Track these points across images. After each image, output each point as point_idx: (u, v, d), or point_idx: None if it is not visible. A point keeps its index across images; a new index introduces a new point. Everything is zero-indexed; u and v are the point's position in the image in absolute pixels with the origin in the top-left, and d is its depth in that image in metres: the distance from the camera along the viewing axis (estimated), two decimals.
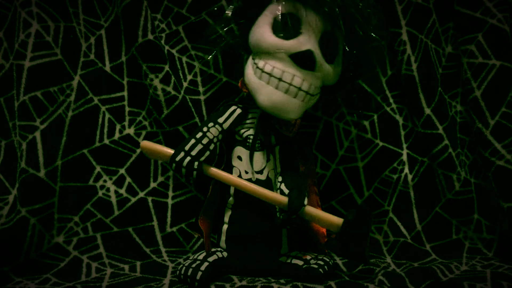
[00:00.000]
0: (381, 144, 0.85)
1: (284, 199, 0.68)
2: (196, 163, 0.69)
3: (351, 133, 0.85)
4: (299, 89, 0.68)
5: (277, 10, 0.69)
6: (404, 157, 0.85)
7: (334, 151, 0.85)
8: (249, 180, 0.71)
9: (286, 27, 0.68)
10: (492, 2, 0.80)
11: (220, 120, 0.71)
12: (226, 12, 0.73)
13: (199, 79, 0.85)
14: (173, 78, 0.80)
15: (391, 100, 0.86)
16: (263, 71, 0.68)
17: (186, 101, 0.82)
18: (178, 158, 0.69)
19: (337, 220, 0.68)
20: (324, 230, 0.74)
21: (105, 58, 0.84)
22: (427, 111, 0.82)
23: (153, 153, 0.72)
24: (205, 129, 0.70)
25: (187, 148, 0.69)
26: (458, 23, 0.83)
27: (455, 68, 0.85)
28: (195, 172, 0.69)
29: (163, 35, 0.84)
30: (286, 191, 0.69)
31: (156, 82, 0.79)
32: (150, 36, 0.79)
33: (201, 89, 0.85)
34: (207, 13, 0.83)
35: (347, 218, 0.67)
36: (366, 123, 0.85)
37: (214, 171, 0.70)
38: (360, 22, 0.69)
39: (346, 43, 0.70)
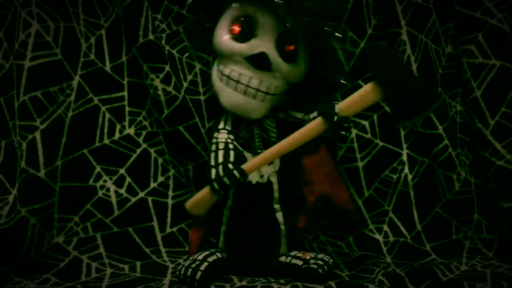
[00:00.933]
0: (381, 144, 0.85)
1: (319, 120, 0.67)
2: (230, 165, 0.67)
3: (351, 133, 0.85)
4: (257, 90, 0.70)
5: (235, 13, 0.70)
6: (404, 157, 0.85)
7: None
8: (250, 182, 0.71)
9: (242, 30, 0.69)
10: (492, 2, 0.80)
11: (221, 126, 0.72)
12: (190, 15, 0.76)
13: (199, 79, 0.85)
14: (173, 78, 0.80)
15: None
16: (222, 74, 0.70)
17: (186, 101, 0.82)
18: (213, 176, 0.67)
19: (369, 85, 0.62)
20: (347, 198, 0.74)
21: (105, 58, 0.84)
22: None
23: (199, 205, 0.69)
24: (214, 140, 0.71)
25: (212, 162, 0.68)
26: (458, 23, 0.83)
27: (455, 68, 0.85)
28: (236, 172, 0.66)
29: (164, 35, 0.84)
30: (315, 114, 0.70)
31: (156, 82, 0.79)
32: (151, 36, 0.79)
33: (201, 89, 0.85)
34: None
35: (379, 74, 0.61)
36: (366, 123, 0.85)
37: (252, 163, 0.68)
38: (310, 22, 0.69)
39: (304, 41, 0.71)
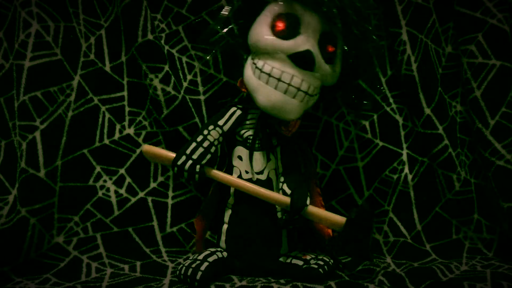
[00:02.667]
0: (381, 144, 0.85)
1: (287, 199, 0.68)
2: (198, 166, 0.69)
3: (351, 133, 0.85)
4: (298, 89, 0.68)
5: (277, 10, 0.69)
6: (404, 157, 0.85)
7: (334, 151, 0.85)
8: (250, 180, 0.71)
9: (286, 27, 0.68)
10: (492, 2, 0.80)
11: (220, 122, 0.72)
12: (223, 12, 0.73)
13: (199, 79, 0.85)
14: (173, 78, 0.80)
15: (391, 100, 0.86)
16: (262, 71, 0.68)
17: (186, 101, 0.82)
18: (179, 162, 0.69)
19: (340, 219, 0.68)
20: (329, 229, 0.75)
21: (105, 58, 0.84)
22: (427, 111, 0.82)
23: (155, 157, 0.73)
24: (205, 132, 0.71)
25: (188, 151, 0.70)
26: (458, 23, 0.83)
27: (455, 68, 0.85)
28: (197, 175, 0.69)
29: (163, 35, 0.84)
30: (288, 191, 0.69)
31: (156, 82, 0.79)
32: (150, 36, 0.79)
33: (201, 89, 0.85)
34: (207, 13, 0.83)
35: (350, 217, 0.68)
36: (366, 123, 0.85)
37: (216, 173, 0.71)
38: (358, 23, 0.69)
39: (345, 43, 0.70)
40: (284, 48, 0.67)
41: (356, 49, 0.71)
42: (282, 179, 0.71)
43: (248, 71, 0.70)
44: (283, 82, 0.68)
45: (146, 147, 0.73)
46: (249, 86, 0.70)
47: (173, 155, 0.71)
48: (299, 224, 0.72)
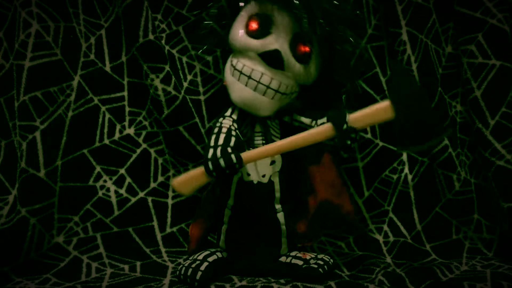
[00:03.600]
0: (381, 144, 0.85)
1: (328, 125, 0.67)
2: (228, 148, 0.66)
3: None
4: (267, 87, 0.70)
5: (252, 11, 0.71)
6: (404, 157, 0.85)
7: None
8: (251, 182, 0.71)
9: (259, 27, 0.69)
10: (492, 2, 0.80)
11: (227, 113, 0.72)
12: (210, 11, 0.75)
13: (199, 79, 0.85)
14: (173, 78, 0.80)
15: None
16: (235, 69, 0.71)
17: (186, 101, 0.82)
18: (210, 155, 0.66)
19: (384, 104, 0.62)
20: (350, 209, 0.74)
21: (105, 58, 0.84)
22: None
23: (188, 183, 0.67)
24: (218, 124, 0.70)
25: (212, 143, 0.67)
26: (458, 23, 0.83)
27: (455, 68, 0.85)
28: (233, 156, 0.65)
29: (164, 35, 0.84)
30: (324, 120, 0.70)
31: (156, 82, 0.79)
32: (151, 36, 0.79)
33: (201, 89, 0.85)
34: (206, 13, 0.84)
35: (395, 94, 0.61)
36: None
37: (250, 153, 0.67)
38: (328, 24, 0.70)
39: (318, 44, 0.71)
40: (253, 46, 0.69)
41: (328, 50, 0.72)
42: (313, 122, 0.73)
43: (226, 69, 0.73)
44: (253, 79, 0.70)
45: (176, 180, 0.68)
46: (226, 83, 0.73)
47: (200, 167, 0.67)
48: (354, 137, 0.67)
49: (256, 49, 0.69)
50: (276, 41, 0.69)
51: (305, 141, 0.66)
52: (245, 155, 0.66)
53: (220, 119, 0.71)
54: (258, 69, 0.70)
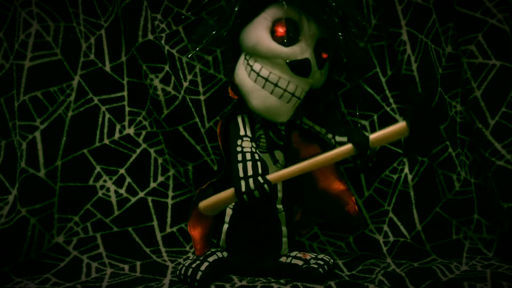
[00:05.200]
0: None
1: (349, 147, 0.66)
2: (260, 178, 0.64)
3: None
4: (292, 95, 0.69)
5: (277, 14, 0.68)
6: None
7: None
8: None
9: (286, 34, 0.67)
10: (492, 2, 0.80)
11: (242, 133, 0.69)
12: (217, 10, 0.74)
13: (199, 79, 0.85)
14: (173, 78, 0.80)
15: (391, 100, 0.85)
16: (259, 75, 0.68)
17: (186, 101, 0.82)
18: (243, 189, 0.63)
19: (401, 125, 0.66)
20: (353, 199, 0.74)
21: (105, 58, 0.84)
22: None
23: (216, 206, 0.67)
24: (238, 148, 0.67)
25: (241, 174, 0.64)
26: (458, 23, 0.83)
27: (455, 68, 0.85)
28: (266, 186, 0.64)
29: (163, 35, 0.84)
30: (344, 139, 0.69)
31: (156, 82, 0.79)
32: (150, 36, 0.79)
33: (201, 89, 0.85)
34: (207, 13, 0.84)
35: (411, 115, 0.66)
36: (366, 123, 0.85)
37: (277, 174, 0.66)
38: (354, 32, 0.70)
39: (338, 49, 0.70)
40: (285, 55, 0.67)
41: (348, 55, 0.72)
42: (329, 135, 0.72)
43: (242, 72, 0.70)
44: (280, 87, 0.68)
45: (203, 204, 0.66)
46: (242, 88, 0.70)
47: (228, 192, 0.66)
48: (373, 158, 0.68)
49: (285, 57, 0.67)
50: (305, 50, 0.67)
51: (328, 162, 0.67)
52: (272, 178, 0.65)
53: (239, 142, 0.67)
54: (285, 77, 0.68)
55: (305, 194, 0.75)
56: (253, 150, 0.66)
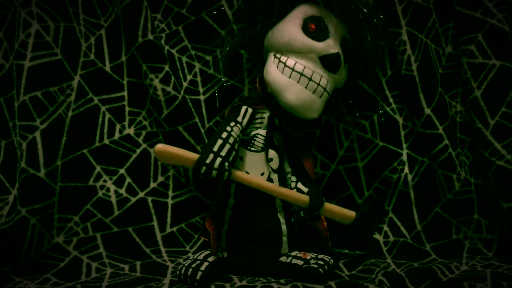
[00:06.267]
0: (381, 144, 0.85)
1: (305, 198, 0.70)
2: (226, 164, 0.66)
3: (351, 133, 0.85)
4: (324, 89, 0.71)
5: (306, 13, 0.71)
6: (404, 157, 0.85)
7: (334, 151, 0.85)
8: None
9: (318, 30, 0.70)
10: (492, 2, 0.80)
11: (239, 119, 0.70)
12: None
13: (199, 79, 0.85)
14: (173, 78, 0.80)
15: (391, 100, 0.86)
16: (293, 70, 0.70)
17: (186, 101, 0.82)
18: (208, 160, 0.65)
19: (351, 214, 0.73)
20: (325, 225, 0.76)
21: (105, 58, 0.84)
22: (427, 111, 0.82)
23: (171, 157, 0.66)
24: (228, 128, 0.68)
25: (215, 149, 0.66)
26: (458, 23, 0.83)
27: (455, 68, 0.85)
28: (226, 173, 0.66)
29: (163, 35, 0.84)
30: (305, 189, 0.72)
31: (156, 82, 0.79)
32: (150, 36, 0.79)
33: (201, 89, 0.85)
34: (207, 13, 0.84)
35: (362, 211, 0.73)
36: (366, 123, 0.85)
37: (240, 173, 0.69)
38: (375, 31, 0.73)
39: (358, 48, 0.73)
40: (316, 48, 0.69)
41: (366, 53, 0.74)
42: (294, 178, 0.74)
43: (273, 69, 0.71)
44: (314, 81, 0.70)
45: (161, 147, 0.65)
46: (275, 84, 0.70)
47: (193, 154, 0.67)
48: (315, 220, 0.73)
49: (319, 51, 0.69)
50: (335, 45, 0.70)
51: (282, 197, 0.71)
52: (236, 173, 0.68)
53: (232, 124, 0.69)
54: (318, 71, 0.70)
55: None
56: (237, 139, 0.68)
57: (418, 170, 0.85)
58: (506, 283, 0.66)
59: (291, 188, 0.73)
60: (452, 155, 0.82)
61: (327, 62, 0.70)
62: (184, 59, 0.84)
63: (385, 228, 0.85)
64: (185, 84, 0.84)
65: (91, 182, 0.82)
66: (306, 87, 0.70)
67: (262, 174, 0.71)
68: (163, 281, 0.69)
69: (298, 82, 0.70)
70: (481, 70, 0.80)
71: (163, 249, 0.81)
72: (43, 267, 0.74)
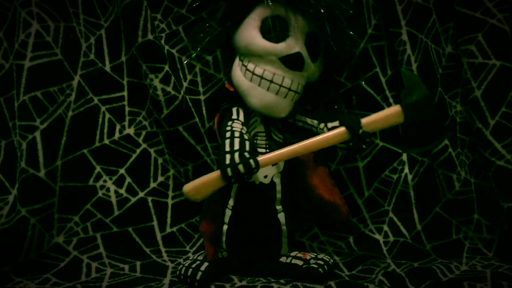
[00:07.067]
0: (381, 144, 0.85)
1: (342, 129, 0.68)
2: (246, 153, 0.64)
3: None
4: (289, 89, 0.70)
5: (264, 13, 0.70)
6: (404, 157, 0.85)
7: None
8: (253, 182, 0.71)
9: (275, 31, 0.69)
10: (492, 2, 0.80)
11: (234, 116, 0.70)
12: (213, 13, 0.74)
13: (199, 79, 0.85)
14: (173, 78, 0.80)
15: (391, 100, 0.85)
16: (254, 74, 0.70)
17: (186, 101, 0.82)
18: (227, 161, 0.64)
19: (394, 109, 0.66)
20: (342, 202, 0.74)
21: (105, 58, 0.84)
22: None
23: (201, 189, 0.65)
24: (228, 128, 0.68)
25: (227, 148, 0.65)
26: (458, 23, 0.83)
27: (455, 68, 0.85)
28: (252, 161, 0.64)
29: (163, 35, 0.84)
30: (336, 123, 0.70)
31: (156, 82, 0.79)
32: (150, 36, 0.79)
33: (201, 89, 0.85)
34: (207, 13, 0.84)
35: (406, 100, 0.66)
36: None
37: (265, 157, 0.67)
38: (342, 21, 0.71)
39: (332, 42, 0.71)
40: (276, 51, 0.69)
41: (338, 46, 0.72)
42: (322, 125, 0.72)
43: (238, 73, 0.72)
44: (275, 83, 0.69)
45: (188, 188, 0.65)
46: (239, 88, 0.71)
47: (214, 173, 0.65)
48: (365, 139, 0.69)
49: (278, 53, 0.69)
50: (296, 44, 0.69)
51: (320, 145, 0.67)
52: (261, 159, 0.66)
53: (229, 123, 0.69)
54: (279, 73, 0.69)
55: (300, 200, 0.75)
56: (243, 131, 0.67)
57: (418, 170, 0.85)
58: (506, 283, 0.66)
59: (328, 130, 0.70)
60: (452, 155, 0.82)
61: (289, 62, 0.69)
62: (184, 59, 0.84)
63: (385, 228, 0.85)
64: (185, 84, 0.84)
65: (91, 182, 0.82)
66: (268, 90, 0.69)
67: (266, 176, 0.71)
68: (163, 281, 0.69)
69: (259, 85, 0.70)
70: (481, 70, 0.80)
71: (163, 249, 0.81)
72: (43, 267, 0.74)
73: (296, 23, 0.69)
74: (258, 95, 0.70)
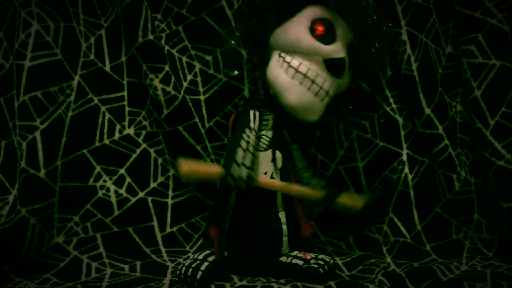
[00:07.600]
0: (381, 144, 0.85)
1: (320, 194, 0.70)
2: (252, 173, 0.66)
3: (351, 133, 0.85)
4: (327, 93, 0.70)
5: (314, 14, 0.70)
6: (404, 157, 0.85)
7: (334, 151, 0.85)
8: None
9: (325, 32, 0.69)
10: (492, 2, 0.80)
11: (252, 125, 0.70)
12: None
13: (199, 79, 0.85)
14: (173, 78, 0.80)
15: (391, 100, 0.85)
16: (297, 71, 0.69)
17: (186, 101, 0.82)
18: (233, 171, 0.65)
19: (360, 203, 0.71)
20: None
21: (105, 58, 0.84)
22: (427, 111, 0.82)
23: (196, 174, 0.66)
24: (245, 137, 0.68)
25: (239, 160, 0.65)
26: (458, 23, 0.83)
27: (455, 68, 0.85)
28: (254, 182, 0.66)
29: (163, 35, 0.84)
30: (320, 183, 0.72)
31: (156, 82, 0.79)
32: (150, 36, 0.79)
33: (201, 89, 0.85)
34: (207, 13, 0.84)
35: (369, 202, 0.71)
36: (366, 123, 0.85)
37: (264, 180, 0.69)
38: (376, 34, 0.72)
39: (363, 53, 0.73)
40: (325, 52, 0.69)
41: (371, 60, 0.74)
42: (307, 174, 0.73)
43: (277, 69, 0.71)
44: (317, 84, 0.69)
45: (185, 166, 0.65)
46: (277, 83, 0.70)
47: (216, 166, 0.66)
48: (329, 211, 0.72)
49: (324, 55, 0.69)
50: (342, 50, 0.69)
51: (299, 194, 0.71)
52: (262, 179, 0.69)
53: (247, 131, 0.69)
54: (322, 75, 0.69)
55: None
56: (255, 145, 0.68)
57: (418, 170, 0.85)
58: (506, 283, 0.66)
59: (306, 184, 0.73)
60: (452, 155, 0.82)
61: (332, 66, 0.69)
62: (184, 59, 0.84)
63: (385, 228, 0.85)
64: (185, 84, 0.84)
65: (91, 182, 0.82)
66: (308, 89, 0.69)
67: (265, 173, 0.71)
68: (163, 281, 0.69)
69: (300, 83, 0.69)
70: (481, 70, 0.80)
71: (163, 249, 0.81)
72: (43, 267, 0.74)
73: (342, 29, 0.70)
74: (298, 93, 0.69)
